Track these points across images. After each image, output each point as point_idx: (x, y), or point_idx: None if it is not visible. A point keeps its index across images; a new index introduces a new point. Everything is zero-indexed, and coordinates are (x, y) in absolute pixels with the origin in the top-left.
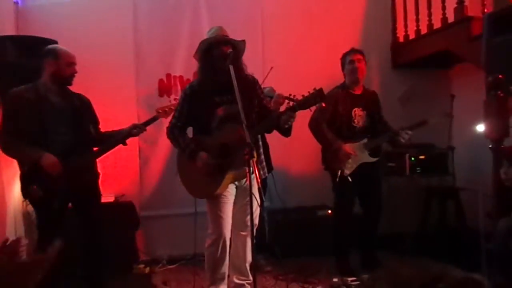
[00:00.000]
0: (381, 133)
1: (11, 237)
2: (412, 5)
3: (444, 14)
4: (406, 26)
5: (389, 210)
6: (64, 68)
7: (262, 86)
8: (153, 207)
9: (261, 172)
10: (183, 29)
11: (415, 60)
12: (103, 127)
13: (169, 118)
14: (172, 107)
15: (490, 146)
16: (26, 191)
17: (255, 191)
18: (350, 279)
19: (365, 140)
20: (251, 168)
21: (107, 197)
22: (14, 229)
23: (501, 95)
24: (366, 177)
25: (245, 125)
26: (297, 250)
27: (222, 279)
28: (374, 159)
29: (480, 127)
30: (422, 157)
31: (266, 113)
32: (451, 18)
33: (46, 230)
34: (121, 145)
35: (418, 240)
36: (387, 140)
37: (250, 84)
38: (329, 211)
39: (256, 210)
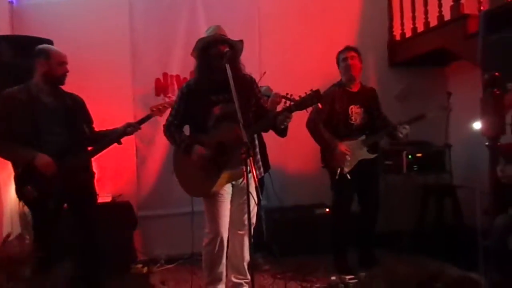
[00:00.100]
0: (380, 129)
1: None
2: (409, 3)
3: (440, 12)
4: (402, 24)
5: (386, 208)
6: (55, 67)
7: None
8: (150, 207)
9: (257, 172)
10: (180, 28)
11: (411, 58)
12: (100, 127)
13: (164, 116)
14: (166, 105)
15: (487, 143)
16: (20, 192)
17: (252, 190)
18: (348, 277)
19: (363, 137)
20: (248, 167)
21: (104, 197)
22: (10, 229)
23: (497, 92)
24: (364, 174)
25: (242, 124)
26: (295, 249)
27: (220, 278)
28: (373, 156)
29: (477, 125)
30: (419, 155)
31: (263, 113)
32: (447, 16)
33: (42, 231)
34: (117, 145)
35: (415, 237)
36: (386, 135)
37: (247, 84)
38: (327, 210)
39: (254, 209)
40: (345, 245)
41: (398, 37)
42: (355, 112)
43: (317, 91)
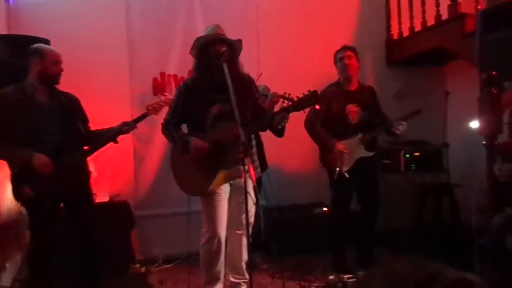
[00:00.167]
0: (378, 126)
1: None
2: (406, 3)
3: (437, 11)
4: (400, 23)
5: (385, 207)
6: (50, 66)
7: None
8: (148, 207)
9: (254, 172)
10: (177, 28)
11: (409, 57)
12: (97, 126)
13: (161, 114)
14: (162, 103)
15: (484, 142)
16: (17, 193)
17: (250, 189)
18: (346, 276)
19: (360, 135)
20: (246, 167)
21: (101, 197)
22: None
23: (495, 91)
24: (363, 173)
25: (240, 123)
26: (293, 248)
27: (218, 277)
28: (371, 154)
29: (474, 124)
30: (417, 154)
31: (261, 113)
32: (444, 15)
33: (39, 230)
34: (115, 145)
35: (413, 236)
36: (384, 132)
37: (245, 83)
38: (325, 209)
39: (252, 209)
40: (344, 244)
41: (395, 36)
42: (353, 111)
43: (315, 92)
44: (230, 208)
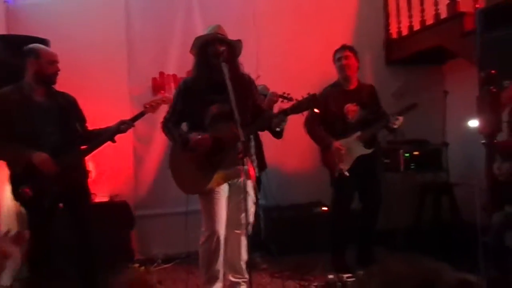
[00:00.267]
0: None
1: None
2: (405, 1)
3: (436, 10)
4: (399, 22)
5: (384, 206)
6: (46, 66)
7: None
8: (147, 206)
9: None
10: (176, 28)
11: (408, 56)
12: (97, 126)
13: (159, 113)
14: (159, 101)
15: (483, 141)
16: (16, 193)
17: (250, 189)
18: (345, 275)
19: (358, 133)
20: (245, 166)
21: (101, 197)
22: (7, 229)
23: (494, 90)
24: (364, 172)
25: (239, 123)
26: (293, 248)
27: (217, 276)
28: (369, 151)
29: (473, 123)
30: (416, 153)
31: (260, 113)
32: (443, 14)
33: (38, 230)
34: (115, 144)
35: (412, 235)
36: (381, 128)
37: (245, 83)
38: (324, 208)
39: (251, 208)
40: (344, 243)
41: (394, 35)
42: (351, 110)
43: (314, 95)
44: (229, 208)
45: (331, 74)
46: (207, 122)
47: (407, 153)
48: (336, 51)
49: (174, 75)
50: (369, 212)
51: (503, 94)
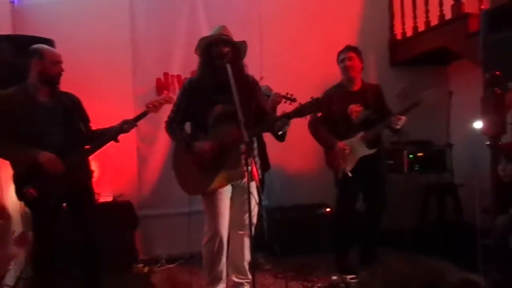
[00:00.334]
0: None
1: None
2: (409, 2)
3: (441, 11)
4: (403, 23)
5: (388, 207)
6: (50, 67)
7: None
8: (151, 207)
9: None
10: (180, 28)
11: (412, 57)
12: (101, 126)
13: (161, 112)
14: (162, 101)
15: (488, 142)
16: (20, 193)
17: (253, 189)
18: (349, 276)
19: (361, 133)
20: (249, 167)
21: (105, 197)
22: (13, 229)
23: (498, 91)
24: (368, 172)
25: (243, 123)
26: (296, 248)
27: (220, 277)
28: (372, 151)
29: (478, 124)
30: (420, 154)
31: (264, 115)
32: (448, 15)
33: (42, 230)
34: (118, 144)
35: (416, 236)
36: (384, 128)
37: (249, 85)
38: (328, 209)
39: (254, 209)
40: (347, 244)
41: (399, 36)
42: (355, 111)
43: (317, 99)
44: (232, 208)
45: (335, 75)
46: (211, 122)
47: (411, 154)
48: (340, 52)
49: (179, 76)
50: (373, 212)
51: (507, 96)
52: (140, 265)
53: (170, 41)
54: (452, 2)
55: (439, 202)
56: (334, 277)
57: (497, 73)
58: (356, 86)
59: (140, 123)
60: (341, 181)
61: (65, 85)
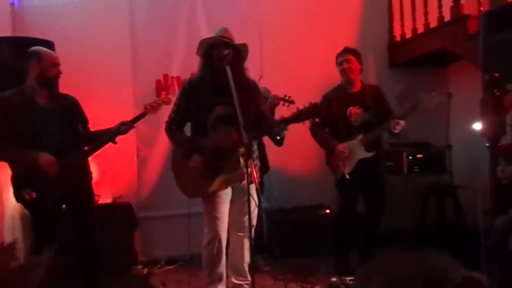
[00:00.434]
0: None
1: (9, 239)
2: (409, 4)
3: (440, 12)
4: (402, 25)
5: (388, 208)
6: (48, 69)
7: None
8: (151, 208)
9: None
10: (180, 30)
11: (412, 59)
12: (101, 128)
13: (160, 114)
14: (160, 102)
15: (487, 144)
16: (18, 194)
17: (253, 191)
18: (348, 278)
19: (361, 136)
20: (249, 169)
21: (104, 198)
22: (11, 230)
23: (498, 93)
24: (367, 174)
25: (243, 125)
26: (296, 250)
27: (220, 279)
28: (370, 154)
29: (477, 126)
30: (419, 155)
31: (262, 118)
32: (447, 17)
33: (41, 232)
34: (118, 146)
35: (416, 238)
36: (384, 131)
37: (249, 88)
38: (327, 211)
39: (254, 211)
40: (347, 246)
41: (398, 38)
42: (354, 113)
43: (315, 104)
44: (232, 210)
45: (335, 76)
46: (210, 123)
47: (410, 155)
48: (338, 55)
49: (178, 77)
50: (373, 215)
51: (507, 97)
52: (140, 267)
53: (170, 43)
54: (451, 4)
55: (438, 204)
56: (334, 279)
57: (497, 74)
58: (356, 88)
59: (140, 124)
60: (341, 183)
61: (65, 87)
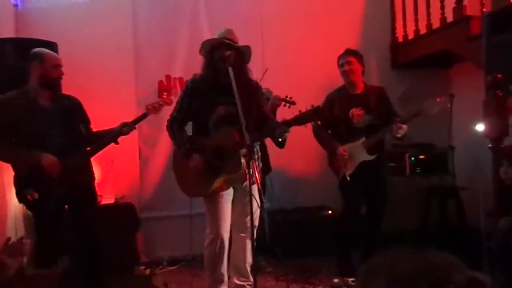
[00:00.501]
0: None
1: (12, 239)
2: (411, 5)
3: (443, 13)
4: (405, 26)
5: (390, 210)
6: (50, 70)
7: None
8: (153, 209)
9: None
10: (183, 31)
11: (414, 60)
12: (103, 128)
13: (161, 114)
14: (162, 103)
15: (490, 145)
16: (20, 195)
17: (255, 192)
18: (350, 279)
19: (363, 139)
20: (251, 169)
21: (107, 199)
22: (14, 231)
23: (500, 94)
24: (369, 177)
25: (245, 126)
26: (298, 251)
27: (222, 279)
28: (372, 157)
29: (480, 127)
30: (422, 157)
31: (264, 119)
32: (450, 18)
33: (44, 233)
34: (120, 146)
35: (418, 239)
36: (386, 134)
37: (252, 89)
38: (329, 212)
39: (256, 211)
40: (350, 246)
41: (400, 39)
42: (356, 115)
43: (317, 107)
44: (234, 211)
45: (337, 77)
46: (212, 123)
47: (413, 157)
48: (340, 57)
49: (181, 78)
50: (373, 214)
51: (509, 98)
52: (142, 267)
53: (172, 43)
54: (454, 5)
55: (441, 205)
56: (336, 280)
57: (499, 76)
58: (358, 90)
59: (142, 125)
60: (344, 184)
61: (68, 88)
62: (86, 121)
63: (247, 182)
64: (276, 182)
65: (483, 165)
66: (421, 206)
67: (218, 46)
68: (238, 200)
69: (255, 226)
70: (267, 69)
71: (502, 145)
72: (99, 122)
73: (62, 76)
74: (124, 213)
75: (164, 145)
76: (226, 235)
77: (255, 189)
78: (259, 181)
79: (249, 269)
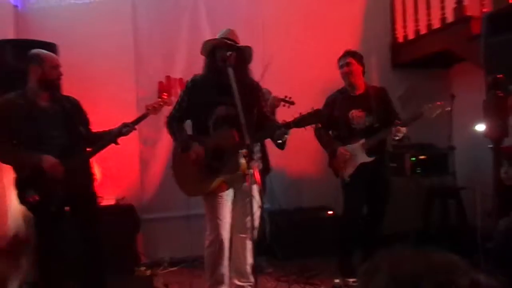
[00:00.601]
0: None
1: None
2: (411, 5)
3: (443, 14)
4: (405, 26)
5: (390, 210)
6: (49, 71)
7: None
8: (154, 210)
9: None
10: (183, 32)
11: (414, 60)
12: (103, 129)
13: (161, 115)
14: (162, 103)
15: (490, 145)
16: (21, 197)
17: (255, 193)
18: (351, 280)
19: (363, 141)
20: (251, 170)
21: (107, 200)
22: (16, 232)
23: (501, 94)
24: (372, 176)
25: (245, 126)
26: (298, 251)
27: (222, 280)
28: (371, 159)
29: (480, 127)
30: (422, 157)
31: (264, 120)
32: (450, 18)
33: (45, 234)
34: (120, 147)
35: (419, 239)
36: (386, 136)
37: (252, 90)
38: (330, 212)
39: (257, 212)
40: (352, 247)
41: (401, 39)
42: (357, 116)
43: (317, 110)
44: (235, 212)
45: (337, 78)
46: (211, 123)
47: (413, 157)
48: (340, 58)
49: (181, 79)
50: (374, 215)
51: (510, 99)
52: (143, 268)
53: (173, 44)
54: (454, 5)
55: (441, 205)
56: (337, 281)
57: (500, 76)
58: (359, 91)
59: (142, 125)
60: (346, 185)
61: (68, 89)
62: (85, 121)
63: (247, 183)
64: (276, 182)
65: (483, 166)
66: (422, 206)
67: (219, 46)
68: (238, 201)
69: (256, 227)
70: (268, 64)
71: (502, 145)
72: (99, 123)
73: (61, 77)
74: (124, 215)
75: (164, 146)
76: (226, 236)
77: (255, 189)
78: (259, 182)
79: (249, 270)
